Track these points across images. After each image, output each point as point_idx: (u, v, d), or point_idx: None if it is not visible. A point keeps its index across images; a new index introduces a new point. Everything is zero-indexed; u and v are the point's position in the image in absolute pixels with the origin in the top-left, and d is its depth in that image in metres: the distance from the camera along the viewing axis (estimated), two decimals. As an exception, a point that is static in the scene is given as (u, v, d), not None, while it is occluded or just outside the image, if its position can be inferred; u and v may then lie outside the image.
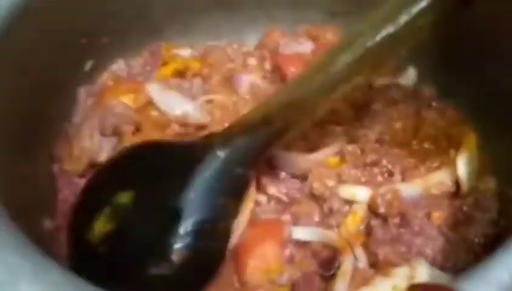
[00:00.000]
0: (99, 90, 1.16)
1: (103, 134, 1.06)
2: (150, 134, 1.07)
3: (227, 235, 0.88)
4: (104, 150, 1.05)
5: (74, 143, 1.04)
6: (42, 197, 0.99)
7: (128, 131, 1.06)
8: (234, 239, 0.91)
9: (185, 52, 1.29)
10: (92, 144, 1.04)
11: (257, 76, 1.22)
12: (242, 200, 0.90)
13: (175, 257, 0.80)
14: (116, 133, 1.06)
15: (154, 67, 1.23)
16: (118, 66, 1.22)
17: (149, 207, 0.86)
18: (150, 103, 1.12)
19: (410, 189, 0.94)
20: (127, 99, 1.11)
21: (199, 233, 0.83)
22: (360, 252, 0.89)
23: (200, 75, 1.22)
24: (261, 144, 0.90)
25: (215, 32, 1.34)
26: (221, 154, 0.88)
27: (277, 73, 1.22)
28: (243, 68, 1.24)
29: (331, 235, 0.90)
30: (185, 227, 0.82)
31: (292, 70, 1.18)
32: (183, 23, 1.32)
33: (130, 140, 1.05)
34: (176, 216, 0.83)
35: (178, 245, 0.81)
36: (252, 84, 1.20)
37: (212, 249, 0.86)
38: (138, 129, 1.08)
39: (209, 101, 1.17)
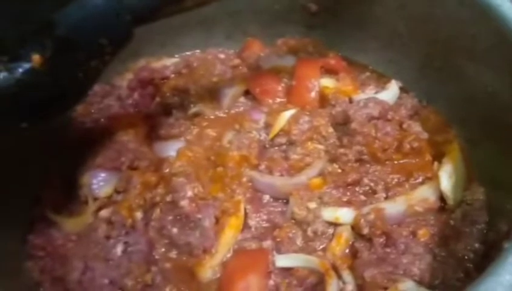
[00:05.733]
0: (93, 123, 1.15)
1: (117, 169, 1.05)
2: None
3: (93, 76, 0.81)
4: (108, 185, 1.04)
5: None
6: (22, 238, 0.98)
7: (142, 166, 1.06)
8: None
9: (169, 62, 1.29)
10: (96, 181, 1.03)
11: (239, 89, 1.22)
12: (118, 51, 0.82)
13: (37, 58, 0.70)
14: (132, 167, 1.06)
15: (146, 97, 1.21)
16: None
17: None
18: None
19: (394, 207, 0.93)
20: (131, 134, 1.10)
21: (72, 53, 0.74)
22: (346, 275, 0.87)
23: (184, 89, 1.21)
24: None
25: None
26: None
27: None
28: (226, 81, 1.23)
29: (313, 260, 0.89)
30: (57, 34, 0.72)
31: (258, 92, 1.19)
32: (162, 44, 1.32)
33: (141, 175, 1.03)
34: (49, 25, 0.72)
35: (45, 49, 0.71)
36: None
37: (76, 78, 0.77)
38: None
39: (196, 114, 1.17)
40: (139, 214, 0.99)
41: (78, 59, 0.75)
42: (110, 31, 0.78)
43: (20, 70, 0.68)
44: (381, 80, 1.22)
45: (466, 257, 0.86)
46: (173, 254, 0.94)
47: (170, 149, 1.10)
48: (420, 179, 0.98)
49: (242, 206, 0.97)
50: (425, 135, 1.03)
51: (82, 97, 0.85)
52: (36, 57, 0.69)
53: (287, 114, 1.09)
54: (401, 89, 1.18)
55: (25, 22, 0.71)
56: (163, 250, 0.94)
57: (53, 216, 1.01)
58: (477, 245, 0.87)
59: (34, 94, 0.71)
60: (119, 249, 0.95)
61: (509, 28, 0.91)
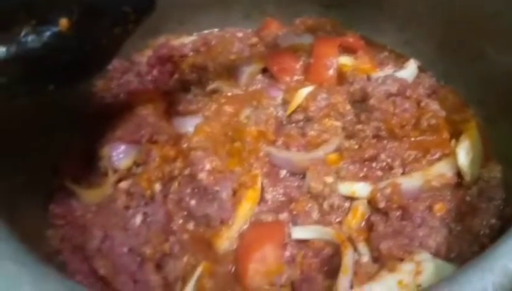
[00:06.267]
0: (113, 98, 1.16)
1: (137, 142, 1.06)
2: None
3: (116, 44, 0.83)
4: (128, 157, 1.05)
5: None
6: (44, 207, 1.00)
7: (162, 140, 1.06)
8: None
9: (187, 40, 1.31)
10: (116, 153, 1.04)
11: (257, 67, 1.23)
12: (141, 20, 0.84)
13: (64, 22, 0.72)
14: (151, 141, 1.06)
15: (165, 73, 1.22)
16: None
17: None
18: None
19: (410, 182, 0.93)
20: (150, 109, 1.10)
21: (97, 18, 0.77)
22: (362, 247, 0.88)
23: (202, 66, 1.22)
24: None
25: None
26: None
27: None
28: (244, 58, 1.24)
29: (329, 231, 0.89)
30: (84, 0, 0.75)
31: (276, 69, 1.19)
32: (181, 21, 1.34)
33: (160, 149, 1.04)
34: None
35: (72, 14, 0.73)
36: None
37: (100, 44, 0.80)
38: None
39: (214, 91, 1.19)
40: (157, 186, 1.00)
41: (103, 26, 0.76)
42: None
43: (48, 33, 0.70)
44: (400, 59, 1.22)
45: (482, 232, 0.87)
46: (190, 225, 0.95)
47: (188, 124, 1.12)
48: (437, 156, 0.98)
49: (259, 179, 0.98)
50: (443, 113, 1.03)
51: (106, 64, 0.87)
52: (64, 21, 0.71)
53: (305, 91, 1.10)
54: (419, 69, 1.17)
55: None
56: (181, 221, 0.96)
57: (73, 187, 1.03)
58: (493, 220, 0.88)
59: (61, 57, 0.73)
60: (138, 219, 0.96)
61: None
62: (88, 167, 1.05)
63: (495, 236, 0.86)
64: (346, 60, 1.17)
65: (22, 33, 0.69)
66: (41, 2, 0.71)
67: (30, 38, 0.69)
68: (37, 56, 0.70)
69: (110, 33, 0.78)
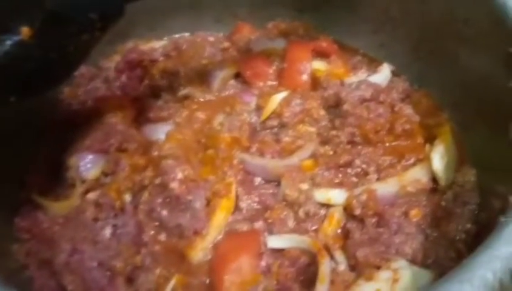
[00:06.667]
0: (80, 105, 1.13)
1: (105, 151, 1.02)
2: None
3: (83, 51, 0.81)
4: (96, 167, 1.01)
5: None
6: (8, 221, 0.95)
7: (131, 148, 1.03)
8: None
9: (157, 44, 1.28)
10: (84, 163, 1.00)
11: (230, 72, 1.21)
12: (109, 26, 0.82)
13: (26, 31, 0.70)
14: (120, 150, 1.03)
15: (134, 79, 1.18)
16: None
17: None
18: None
19: (386, 188, 0.92)
20: (119, 116, 1.07)
21: (62, 26, 0.74)
22: (339, 255, 0.86)
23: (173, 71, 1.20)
24: None
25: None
26: None
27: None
28: (216, 63, 1.22)
29: (306, 240, 0.88)
30: (47, 7, 0.72)
31: (249, 74, 1.18)
32: (151, 26, 1.31)
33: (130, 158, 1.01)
34: None
35: (34, 22, 0.71)
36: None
37: (66, 52, 0.77)
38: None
39: (185, 97, 1.16)
40: (127, 197, 0.97)
41: (68, 33, 0.74)
42: (101, 6, 0.77)
43: (9, 42, 0.67)
44: (373, 64, 1.22)
45: (457, 237, 0.86)
46: (162, 236, 0.92)
47: (159, 132, 1.09)
48: (412, 161, 0.98)
49: (233, 188, 0.96)
50: (417, 118, 1.02)
51: (72, 72, 0.84)
52: (25, 30, 0.68)
53: (279, 96, 1.08)
54: (393, 73, 1.17)
55: None
56: (152, 232, 0.93)
57: (39, 199, 0.99)
58: (468, 225, 0.87)
59: (23, 66, 0.70)
60: (107, 231, 0.92)
61: (502, 11, 0.91)
62: (55, 177, 1.01)
63: (471, 241, 0.85)
64: (319, 64, 1.16)
65: None
66: (2, 10, 0.67)
67: None
68: None
69: (77, 40, 0.75)
